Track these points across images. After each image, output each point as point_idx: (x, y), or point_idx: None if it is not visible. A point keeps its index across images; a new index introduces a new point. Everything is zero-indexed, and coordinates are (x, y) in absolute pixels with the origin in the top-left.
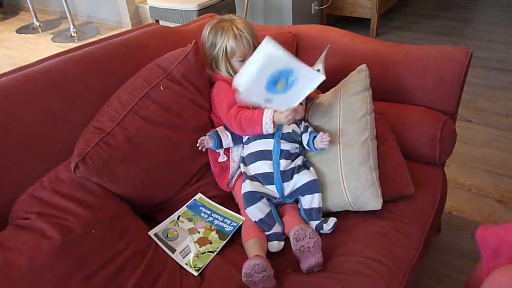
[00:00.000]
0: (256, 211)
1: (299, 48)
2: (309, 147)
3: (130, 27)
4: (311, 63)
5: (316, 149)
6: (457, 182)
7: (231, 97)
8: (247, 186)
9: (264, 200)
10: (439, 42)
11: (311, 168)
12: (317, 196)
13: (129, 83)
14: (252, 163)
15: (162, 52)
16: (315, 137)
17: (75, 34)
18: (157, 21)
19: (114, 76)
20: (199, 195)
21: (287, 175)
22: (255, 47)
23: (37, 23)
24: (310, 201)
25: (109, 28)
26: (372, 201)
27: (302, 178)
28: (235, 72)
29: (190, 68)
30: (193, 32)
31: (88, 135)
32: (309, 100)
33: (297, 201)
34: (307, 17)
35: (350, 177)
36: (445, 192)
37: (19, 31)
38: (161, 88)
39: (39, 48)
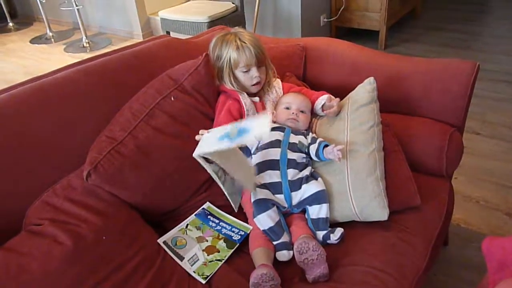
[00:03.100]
0: (267, 219)
1: (307, 60)
2: (317, 156)
3: (141, 38)
4: (319, 74)
5: (324, 159)
6: (465, 195)
7: (221, 115)
8: (258, 194)
9: (274, 208)
10: (447, 55)
11: (319, 179)
12: (324, 207)
13: (141, 94)
14: (260, 172)
15: (173, 63)
16: (326, 146)
17: (87, 45)
18: (168, 33)
19: (126, 87)
20: (208, 204)
21: (295, 184)
22: (257, 58)
23: (50, 34)
24: (318, 211)
25: (120, 39)
26: (379, 211)
27: (310, 188)
28: (238, 83)
29: (200, 80)
30: (203, 44)
31: (100, 144)
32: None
33: (304, 211)
34: (316, 29)
35: (357, 187)
36: (452, 204)
37: (32, 41)
38: (172, 98)
39: (52, 58)
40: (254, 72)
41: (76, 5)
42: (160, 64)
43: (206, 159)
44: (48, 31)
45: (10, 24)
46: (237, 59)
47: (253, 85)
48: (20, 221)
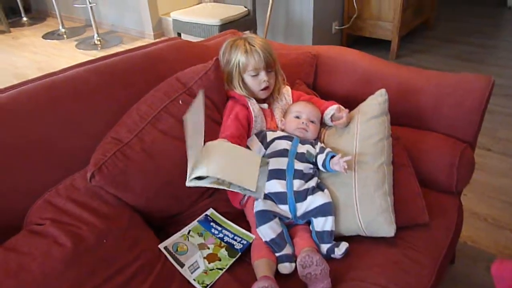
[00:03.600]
0: (268, 231)
1: (318, 68)
2: (324, 167)
3: (152, 38)
4: (329, 83)
5: (331, 170)
6: (473, 212)
7: (229, 120)
8: (260, 205)
9: (277, 219)
10: (460, 68)
11: (326, 190)
12: (330, 219)
13: (149, 96)
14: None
15: (183, 66)
16: (332, 157)
17: (99, 42)
18: (179, 34)
19: (135, 88)
20: (211, 210)
21: (301, 195)
22: (266, 62)
23: (63, 30)
24: (323, 223)
25: (132, 38)
26: (385, 227)
27: (316, 200)
28: (247, 89)
29: (209, 85)
30: (214, 48)
31: (105, 145)
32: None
33: (309, 223)
34: (327, 36)
35: (364, 201)
36: (460, 222)
37: (45, 36)
38: (180, 102)
39: (63, 54)
40: (263, 76)
41: (90, 3)
42: (170, 66)
43: (198, 177)
44: (60, 27)
45: (24, 18)
46: (245, 62)
47: (262, 90)
48: (22, 219)
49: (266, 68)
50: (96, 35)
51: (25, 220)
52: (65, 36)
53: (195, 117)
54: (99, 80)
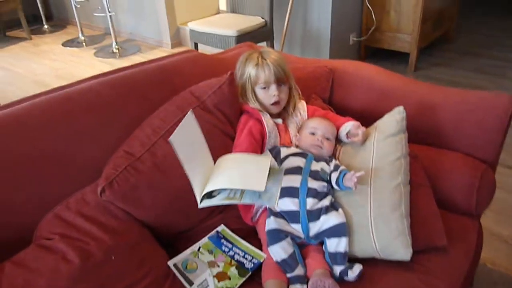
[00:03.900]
0: (279, 251)
1: (334, 83)
2: (337, 185)
3: (170, 47)
4: (345, 98)
5: (344, 188)
6: (493, 232)
7: (243, 135)
8: (272, 223)
9: (289, 239)
10: (481, 81)
11: (340, 210)
12: (344, 240)
13: (162, 109)
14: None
15: (198, 79)
16: (346, 174)
17: (117, 51)
18: (196, 44)
19: (148, 101)
20: (222, 227)
21: (314, 214)
22: (277, 76)
23: (82, 38)
24: (336, 244)
25: (149, 47)
26: (401, 250)
27: (330, 220)
28: (259, 100)
29: (223, 99)
30: (230, 61)
31: (117, 159)
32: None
33: (322, 243)
34: (344, 48)
35: (379, 223)
36: (480, 246)
37: (64, 44)
38: None
39: (82, 61)
40: (273, 90)
41: (109, 12)
42: (184, 79)
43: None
44: (80, 35)
45: (45, 26)
46: (256, 75)
47: (272, 104)
48: (32, 232)
49: (276, 82)
50: (114, 43)
51: (35, 233)
52: (84, 44)
53: (191, 140)
54: (113, 93)
